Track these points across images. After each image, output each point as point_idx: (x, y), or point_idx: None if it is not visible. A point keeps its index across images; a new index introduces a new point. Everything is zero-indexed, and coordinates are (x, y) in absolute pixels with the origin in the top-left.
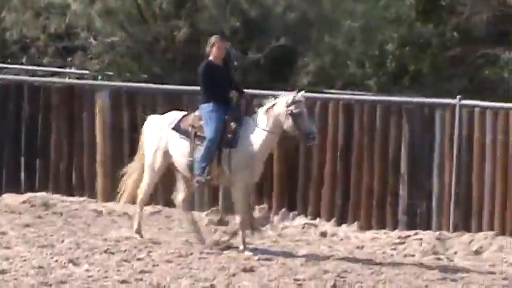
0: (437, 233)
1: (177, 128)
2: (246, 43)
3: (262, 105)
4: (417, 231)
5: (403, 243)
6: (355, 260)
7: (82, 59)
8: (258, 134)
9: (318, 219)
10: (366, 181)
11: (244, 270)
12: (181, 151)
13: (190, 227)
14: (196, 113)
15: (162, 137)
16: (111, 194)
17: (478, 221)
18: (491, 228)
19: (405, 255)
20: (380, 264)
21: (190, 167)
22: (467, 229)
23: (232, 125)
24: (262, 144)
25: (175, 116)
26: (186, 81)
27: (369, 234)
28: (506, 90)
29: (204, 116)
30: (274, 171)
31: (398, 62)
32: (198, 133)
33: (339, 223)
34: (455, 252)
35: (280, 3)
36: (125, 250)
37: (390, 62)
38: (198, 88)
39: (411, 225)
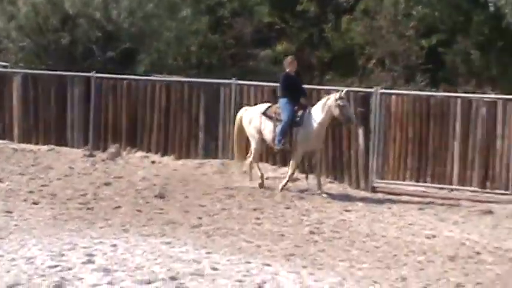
0: (222, 160)
1: (265, 114)
2: (105, 46)
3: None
4: (210, 159)
5: (201, 167)
6: (173, 177)
7: (5, 56)
8: (315, 118)
9: (149, 153)
10: (178, 130)
11: (105, 184)
12: (268, 129)
13: (257, 169)
14: (277, 104)
15: (257, 120)
16: (22, 138)
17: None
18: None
19: (202, 174)
20: (187, 178)
21: (274, 138)
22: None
23: (299, 112)
24: (317, 125)
25: (263, 106)
26: (68, 70)
27: (181, 161)
28: (262, 75)
29: (281, 106)
30: (123, 126)
31: (199, 58)
32: (278, 117)
33: (163, 155)
34: (233, 172)
35: (126, 22)
36: (32, 172)
37: (193, 57)
38: (75, 73)
39: (206, 156)
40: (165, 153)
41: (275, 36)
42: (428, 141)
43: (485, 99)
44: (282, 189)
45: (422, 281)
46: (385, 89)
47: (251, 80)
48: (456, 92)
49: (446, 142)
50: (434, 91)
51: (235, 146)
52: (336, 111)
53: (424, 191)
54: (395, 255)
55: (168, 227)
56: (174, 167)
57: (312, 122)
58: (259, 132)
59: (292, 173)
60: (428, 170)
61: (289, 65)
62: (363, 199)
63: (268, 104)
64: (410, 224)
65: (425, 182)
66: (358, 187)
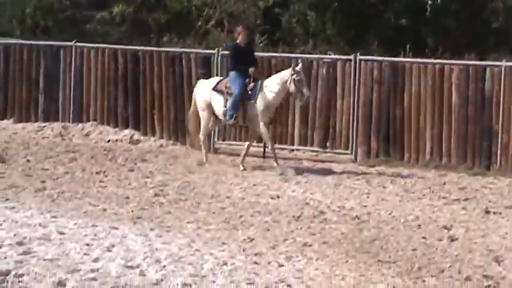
0: (62, 123)
1: (215, 88)
2: None
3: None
4: (51, 122)
5: (42, 130)
6: (13, 141)
7: None
8: (268, 92)
9: None
10: (18, 93)
11: None
12: (219, 104)
13: (205, 149)
14: (227, 78)
15: (207, 95)
16: None
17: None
18: (95, 119)
19: (43, 137)
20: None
21: (225, 113)
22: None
23: (250, 85)
24: (270, 99)
25: (215, 80)
26: None
27: (21, 125)
28: (100, 37)
29: (231, 80)
30: None
31: (34, 20)
32: (229, 91)
33: (2, 118)
34: (74, 135)
35: None
36: None
37: (29, 20)
38: None
39: (47, 119)
40: (4, 116)
41: None
42: None
43: (324, 60)
44: (276, 163)
45: (270, 241)
46: (226, 50)
47: (90, 43)
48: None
49: (287, 102)
50: (274, 52)
51: (191, 120)
52: (292, 86)
53: (266, 152)
54: (241, 216)
55: (10, 191)
56: (14, 131)
57: (265, 95)
58: (209, 107)
59: (273, 147)
60: (270, 130)
61: (238, 35)
62: (206, 160)
63: (220, 78)
64: (254, 185)
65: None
66: (200, 148)
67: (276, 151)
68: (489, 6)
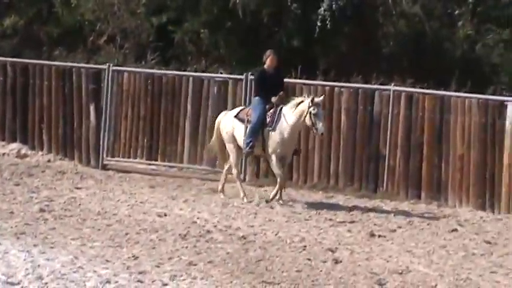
0: None
1: (237, 116)
2: None
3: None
4: None
5: None
6: None
7: None
8: (287, 120)
9: None
10: None
11: None
12: (240, 132)
13: (239, 184)
14: (250, 105)
15: (230, 125)
16: None
17: None
18: None
19: None
20: None
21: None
22: None
23: (271, 113)
24: (290, 128)
25: (237, 109)
26: None
27: None
28: None
29: (253, 106)
30: None
31: None
32: (249, 119)
33: None
34: None
35: None
36: None
37: None
38: None
39: None
40: None
41: (3, 9)
42: (160, 119)
43: (216, 79)
44: (272, 199)
45: (155, 259)
46: (117, 66)
47: None
48: (186, 70)
49: (177, 120)
50: (165, 69)
51: (218, 154)
52: (307, 119)
53: (154, 169)
54: (127, 234)
55: None
56: None
57: (284, 124)
58: (233, 138)
59: (282, 182)
60: (159, 148)
61: (266, 59)
62: (93, 176)
63: (242, 107)
64: (141, 202)
65: (156, 160)
66: (88, 164)
67: (164, 169)
68: (380, 31)
